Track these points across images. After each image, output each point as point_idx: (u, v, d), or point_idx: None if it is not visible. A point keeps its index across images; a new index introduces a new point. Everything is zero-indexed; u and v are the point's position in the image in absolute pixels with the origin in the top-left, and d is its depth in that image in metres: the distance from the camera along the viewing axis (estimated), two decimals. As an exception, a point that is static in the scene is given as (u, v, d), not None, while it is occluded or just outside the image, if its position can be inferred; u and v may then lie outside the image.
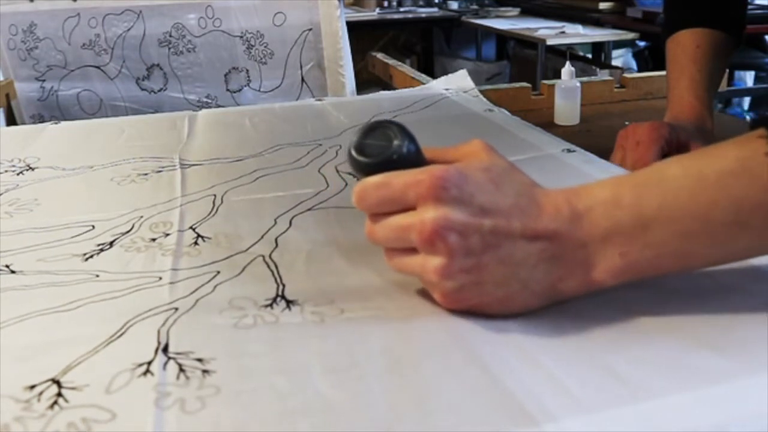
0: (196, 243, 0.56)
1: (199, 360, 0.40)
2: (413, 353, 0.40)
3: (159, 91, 1.46)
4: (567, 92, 1.05)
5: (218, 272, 0.51)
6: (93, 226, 0.60)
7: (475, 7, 4.13)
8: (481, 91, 1.07)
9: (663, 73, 0.99)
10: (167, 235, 0.58)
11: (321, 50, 1.38)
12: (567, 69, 1.05)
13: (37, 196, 0.69)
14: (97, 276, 0.51)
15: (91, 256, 0.54)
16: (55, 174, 0.75)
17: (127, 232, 0.59)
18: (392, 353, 0.40)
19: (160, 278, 0.50)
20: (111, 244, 0.56)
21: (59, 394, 0.37)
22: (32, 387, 0.38)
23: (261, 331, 0.43)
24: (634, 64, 3.75)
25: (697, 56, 0.86)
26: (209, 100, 1.45)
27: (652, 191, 0.42)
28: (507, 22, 3.53)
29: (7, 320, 0.45)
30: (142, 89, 1.46)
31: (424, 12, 3.85)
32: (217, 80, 1.44)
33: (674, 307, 0.43)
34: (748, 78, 3.66)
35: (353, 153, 0.44)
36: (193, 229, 0.59)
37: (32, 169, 0.77)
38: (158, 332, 0.43)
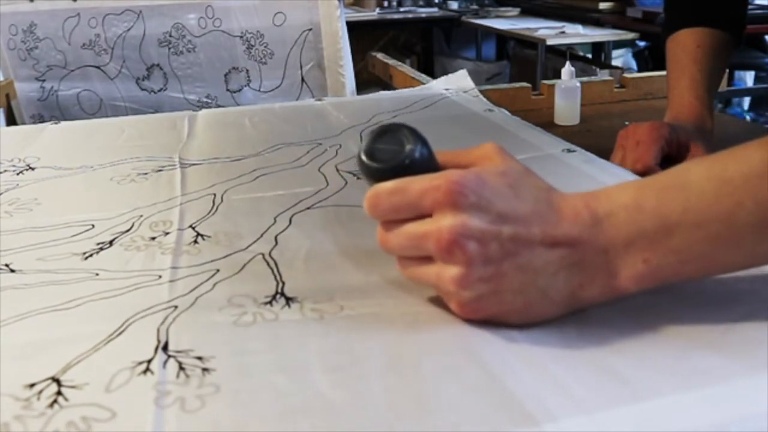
0: (195, 241, 0.56)
1: (199, 358, 0.40)
2: (413, 352, 0.40)
3: (159, 91, 1.46)
4: (567, 92, 1.05)
5: (218, 270, 0.51)
6: (93, 225, 0.60)
7: (475, 7, 4.13)
8: (481, 91, 1.07)
9: (663, 73, 0.99)
10: (167, 233, 0.58)
11: (321, 50, 1.38)
12: (567, 69, 1.05)
13: (37, 195, 0.69)
14: (97, 275, 0.51)
15: (91, 255, 0.54)
16: (55, 174, 0.75)
17: (127, 231, 0.59)
18: (392, 352, 0.40)
19: (160, 276, 0.50)
20: (111, 242, 0.56)
21: (59, 393, 0.37)
22: (32, 385, 0.38)
23: (260, 329, 0.43)
24: (634, 64, 3.76)
25: (697, 56, 0.86)
26: (209, 100, 1.45)
27: (676, 195, 0.40)
28: (507, 22, 3.53)
29: (6, 319, 0.45)
30: (142, 89, 1.46)
31: (424, 12, 3.86)
32: (217, 80, 1.44)
33: (674, 307, 0.43)
34: (748, 78, 3.66)
35: (364, 158, 0.43)
36: (193, 228, 0.59)
37: (32, 168, 0.77)
38: (158, 330, 0.43)
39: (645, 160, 0.73)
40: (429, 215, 0.41)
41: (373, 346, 0.41)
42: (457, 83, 1.10)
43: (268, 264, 0.52)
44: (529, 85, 1.17)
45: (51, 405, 0.36)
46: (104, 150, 0.84)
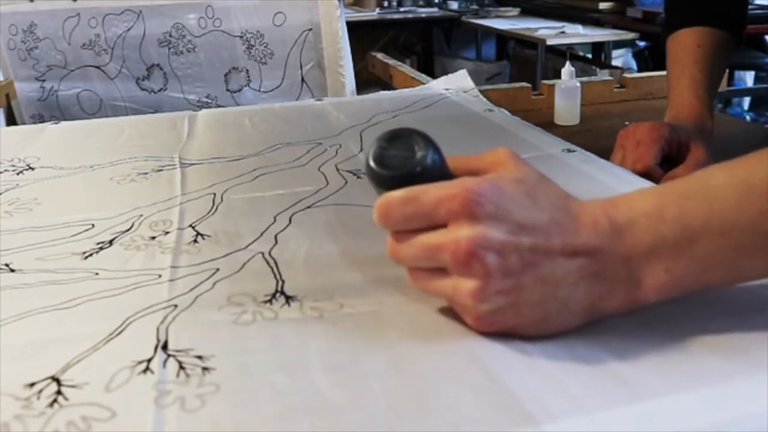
0: (195, 241, 0.56)
1: (199, 357, 0.40)
2: (413, 351, 0.40)
3: (159, 91, 1.46)
4: (567, 92, 1.05)
5: (217, 269, 0.51)
6: (93, 225, 0.60)
7: (475, 7, 4.13)
8: (481, 91, 1.07)
9: (663, 73, 0.99)
10: (167, 233, 0.58)
11: (321, 50, 1.38)
12: (567, 69, 1.05)
13: (36, 195, 0.69)
14: (97, 274, 0.51)
15: (91, 255, 0.54)
16: (55, 173, 0.75)
17: (127, 230, 0.59)
18: (392, 351, 0.40)
19: (160, 276, 0.50)
20: (110, 242, 0.56)
21: (59, 392, 0.37)
22: (32, 385, 0.38)
23: (260, 328, 0.43)
24: (634, 64, 3.76)
25: (698, 55, 0.85)
26: (209, 100, 1.45)
27: (698, 203, 0.40)
28: (507, 22, 3.53)
29: (6, 318, 0.45)
30: (142, 89, 1.46)
31: (424, 12, 3.85)
32: (217, 80, 1.44)
33: (673, 307, 0.43)
34: (748, 78, 3.66)
35: (373, 165, 0.41)
36: (193, 227, 0.59)
37: (32, 168, 0.77)
38: (157, 329, 0.43)
39: (645, 161, 0.73)
40: (443, 225, 0.39)
41: (373, 345, 0.41)
42: (457, 83, 1.10)
43: (267, 263, 0.52)
44: (529, 85, 1.17)
45: (51, 404, 0.36)
46: (104, 150, 0.84)
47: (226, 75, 1.43)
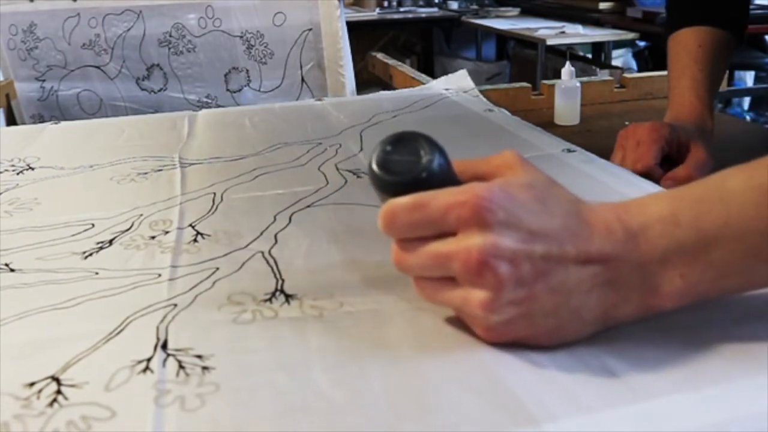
0: (195, 240, 0.56)
1: (199, 356, 0.40)
2: (413, 350, 0.40)
3: (159, 91, 1.46)
4: (567, 92, 1.05)
5: (217, 269, 0.51)
6: (92, 225, 0.60)
7: (475, 7, 4.13)
8: (481, 91, 1.07)
9: (663, 73, 0.99)
10: (167, 232, 0.58)
11: (321, 50, 1.38)
12: (567, 69, 1.05)
13: (36, 195, 0.69)
14: (97, 273, 0.51)
15: (91, 254, 0.54)
16: (55, 173, 0.75)
17: (127, 230, 0.59)
18: (392, 350, 0.40)
19: (159, 275, 0.50)
20: (110, 242, 0.56)
21: (59, 392, 0.37)
22: (32, 384, 0.38)
23: (260, 327, 0.43)
24: (634, 64, 3.76)
25: (699, 55, 0.85)
26: (209, 100, 1.45)
27: (714, 207, 0.39)
28: (507, 22, 3.53)
29: (6, 318, 0.45)
30: (142, 89, 1.46)
31: (424, 12, 3.86)
32: (217, 80, 1.44)
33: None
34: (748, 78, 3.66)
35: (377, 170, 0.39)
36: (193, 227, 0.59)
37: (32, 168, 0.77)
38: (157, 329, 0.43)
39: (645, 161, 0.73)
40: (452, 233, 0.38)
41: (373, 344, 0.41)
42: (457, 83, 1.10)
43: (267, 262, 0.52)
44: (529, 85, 1.17)
45: (51, 404, 0.36)
46: (104, 150, 0.84)
47: (226, 75, 1.43)
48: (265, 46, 1.39)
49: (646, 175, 0.71)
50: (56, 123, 0.98)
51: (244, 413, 0.35)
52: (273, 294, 0.47)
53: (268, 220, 0.59)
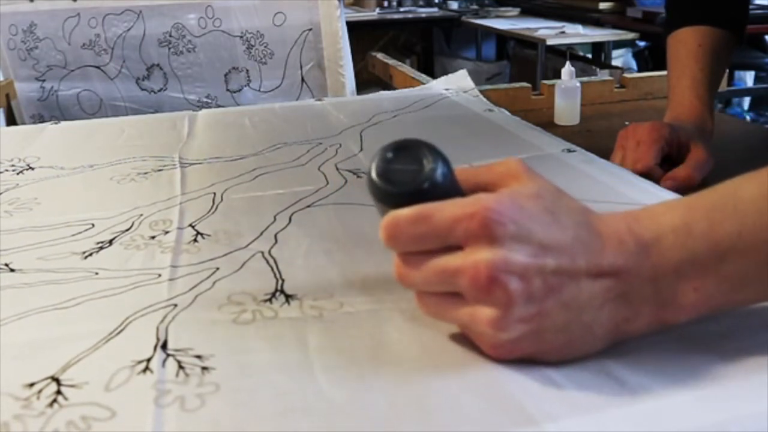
0: (195, 240, 0.56)
1: (198, 357, 0.40)
2: (413, 350, 0.40)
3: (159, 91, 1.46)
4: (567, 92, 1.05)
5: (217, 269, 0.51)
6: (93, 225, 0.60)
7: (475, 7, 4.13)
8: (481, 91, 1.07)
9: (663, 73, 0.99)
10: (167, 232, 0.58)
11: (321, 50, 1.38)
12: (567, 69, 1.05)
13: (36, 195, 0.69)
14: (97, 273, 0.51)
15: (91, 254, 0.54)
16: (55, 173, 0.75)
17: (127, 230, 0.59)
18: (392, 350, 0.40)
19: (159, 275, 0.50)
20: (110, 242, 0.56)
21: (58, 392, 0.37)
22: (31, 385, 0.38)
23: (260, 327, 0.43)
24: (634, 64, 3.76)
25: (699, 55, 0.85)
26: (209, 100, 1.45)
27: (728, 216, 0.37)
28: (507, 22, 3.53)
29: (6, 318, 0.45)
30: (142, 89, 1.46)
31: (424, 12, 3.86)
32: (217, 80, 1.44)
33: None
34: (748, 78, 3.66)
35: (377, 180, 0.37)
36: (193, 227, 0.59)
37: (32, 168, 0.77)
38: (157, 329, 0.43)
39: (645, 161, 0.73)
40: (458, 246, 0.36)
41: (373, 344, 0.41)
42: (457, 83, 1.10)
43: (267, 262, 0.52)
44: (529, 85, 1.17)
45: (51, 404, 0.36)
46: (104, 150, 0.84)
47: (226, 75, 1.43)
48: (265, 46, 1.39)
49: (646, 175, 0.71)
50: (56, 123, 0.98)
51: (244, 413, 0.35)
52: (273, 294, 0.47)
53: (268, 220, 0.59)
